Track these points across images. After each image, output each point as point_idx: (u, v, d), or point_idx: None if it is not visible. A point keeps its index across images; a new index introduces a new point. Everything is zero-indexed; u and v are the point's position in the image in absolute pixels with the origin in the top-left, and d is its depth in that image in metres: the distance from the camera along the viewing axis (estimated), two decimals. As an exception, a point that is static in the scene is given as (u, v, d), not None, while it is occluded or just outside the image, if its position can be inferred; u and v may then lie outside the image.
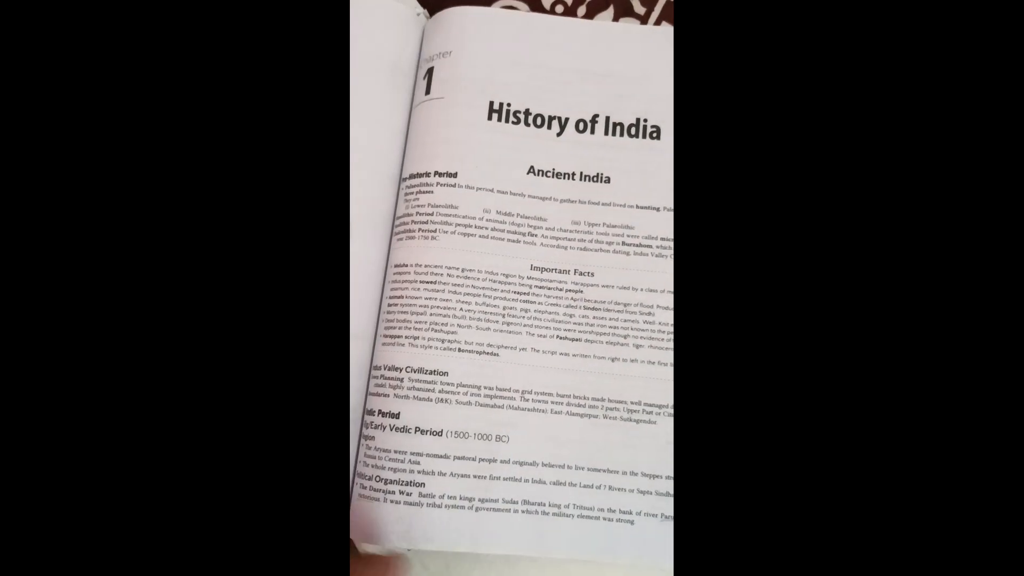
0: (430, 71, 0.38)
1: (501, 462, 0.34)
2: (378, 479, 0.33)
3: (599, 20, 0.41)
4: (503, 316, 0.34)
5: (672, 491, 0.33)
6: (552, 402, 0.34)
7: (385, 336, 0.35)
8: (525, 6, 0.42)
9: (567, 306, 0.35)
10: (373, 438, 0.34)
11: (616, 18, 0.41)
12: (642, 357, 0.34)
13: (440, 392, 0.34)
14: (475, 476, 0.33)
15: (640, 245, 0.35)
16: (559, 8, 0.42)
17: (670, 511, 0.33)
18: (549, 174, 0.36)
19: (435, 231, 0.35)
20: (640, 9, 0.41)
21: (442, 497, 0.33)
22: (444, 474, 0.33)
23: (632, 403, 0.34)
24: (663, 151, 0.37)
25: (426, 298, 0.34)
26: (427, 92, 0.38)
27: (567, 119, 0.37)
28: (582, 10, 0.41)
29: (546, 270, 0.35)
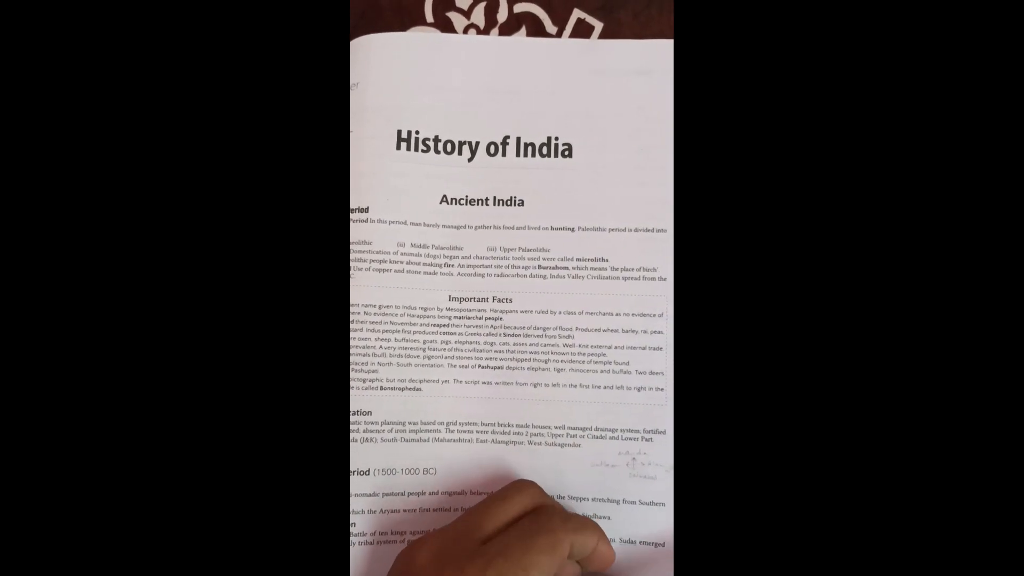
0: (341, 106, 0.38)
1: (430, 494, 0.33)
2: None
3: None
4: (424, 350, 0.34)
5: (597, 513, 0.33)
6: (477, 431, 0.34)
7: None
8: (437, 31, 0.42)
9: (487, 334, 0.35)
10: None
11: (529, 37, 0.41)
12: (563, 381, 0.34)
13: (364, 432, 0.34)
14: (405, 511, 0.33)
15: (556, 267, 0.35)
16: (471, 32, 0.41)
17: (601, 533, 0.33)
18: (462, 201, 0.36)
19: (350, 269, 0.35)
20: (552, 28, 0.41)
21: (373, 535, 0.33)
22: (374, 512, 0.33)
23: (556, 427, 0.34)
24: (575, 169, 0.36)
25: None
26: (338, 127, 0.38)
27: (478, 143, 0.37)
28: (494, 32, 0.41)
29: (464, 299, 0.35)
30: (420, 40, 0.39)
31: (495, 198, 0.36)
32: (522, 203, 0.36)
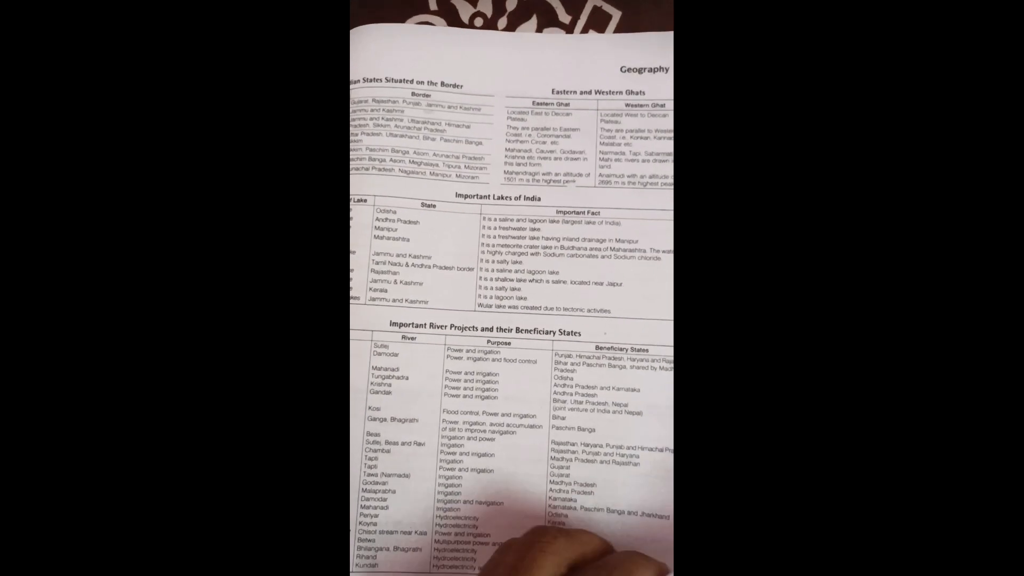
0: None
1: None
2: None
3: (521, 32, 0.38)
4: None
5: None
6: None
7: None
8: (443, 20, 0.39)
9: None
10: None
11: (540, 28, 0.38)
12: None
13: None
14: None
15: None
16: (478, 21, 0.38)
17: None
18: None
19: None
20: (565, 17, 0.38)
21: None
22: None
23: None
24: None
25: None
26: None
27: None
28: (503, 22, 0.38)
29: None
30: (429, 34, 0.37)
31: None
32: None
